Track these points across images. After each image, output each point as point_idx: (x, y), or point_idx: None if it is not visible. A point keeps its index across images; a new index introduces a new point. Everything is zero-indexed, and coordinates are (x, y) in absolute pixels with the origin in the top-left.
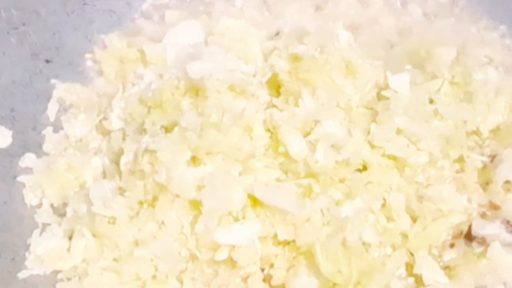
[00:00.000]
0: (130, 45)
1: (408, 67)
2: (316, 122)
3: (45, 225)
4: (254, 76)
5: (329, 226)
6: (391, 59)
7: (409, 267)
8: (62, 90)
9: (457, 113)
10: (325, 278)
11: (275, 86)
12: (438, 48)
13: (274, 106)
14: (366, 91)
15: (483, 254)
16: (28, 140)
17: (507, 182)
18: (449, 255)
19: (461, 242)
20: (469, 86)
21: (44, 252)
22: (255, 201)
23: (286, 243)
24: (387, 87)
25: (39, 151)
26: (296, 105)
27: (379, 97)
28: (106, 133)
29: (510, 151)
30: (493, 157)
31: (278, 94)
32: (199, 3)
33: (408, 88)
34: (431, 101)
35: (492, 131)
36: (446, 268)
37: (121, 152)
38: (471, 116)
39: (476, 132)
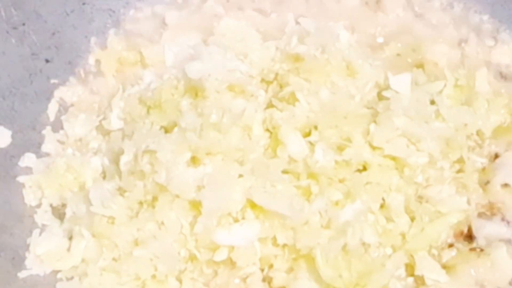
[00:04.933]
0: (129, 47)
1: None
2: (316, 122)
3: (44, 225)
4: (253, 76)
5: (328, 228)
6: (392, 59)
7: (409, 267)
8: (62, 90)
9: (459, 116)
10: (325, 282)
11: (275, 86)
12: (442, 50)
13: (273, 106)
14: (366, 91)
15: (483, 253)
16: (28, 140)
17: (506, 185)
18: (449, 255)
19: (461, 241)
20: (473, 89)
21: (43, 252)
22: (254, 202)
23: (286, 244)
24: (388, 87)
25: (38, 151)
26: (296, 105)
27: (380, 97)
28: (105, 133)
29: (511, 154)
30: (493, 158)
31: (278, 94)
32: (200, 4)
33: (409, 88)
34: (432, 102)
35: (493, 131)
36: (445, 267)
37: (120, 152)
38: (473, 119)
39: (478, 133)
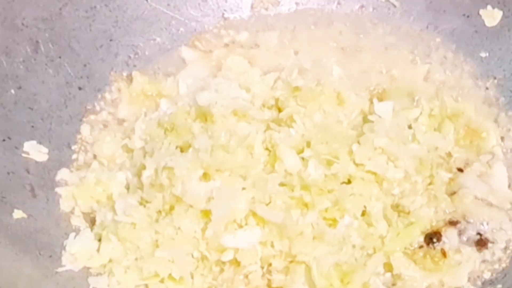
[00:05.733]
0: (150, 81)
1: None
2: (309, 142)
3: (78, 229)
4: (254, 102)
5: (321, 240)
6: (376, 90)
7: (387, 266)
8: (92, 114)
9: (432, 140)
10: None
11: (274, 110)
12: (417, 82)
13: (272, 128)
14: (352, 118)
15: (449, 255)
16: (63, 157)
17: (469, 194)
18: (420, 255)
19: (431, 245)
20: (444, 119)
21: (77, 251)
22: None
23: (282, 251)
24: (370, 113)
25: (72, 166)
26: (292, 127)
27: (365, 120)
28: (129, 151)
29: (472, 168)
30: (459, 170)
31: (277, 118)
32: (211, 44)
33: (391, 114)
34: (409, 127)
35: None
36: (418, 265)
37: (142, 167)
38: (443, 143)
39: (446, 154)
